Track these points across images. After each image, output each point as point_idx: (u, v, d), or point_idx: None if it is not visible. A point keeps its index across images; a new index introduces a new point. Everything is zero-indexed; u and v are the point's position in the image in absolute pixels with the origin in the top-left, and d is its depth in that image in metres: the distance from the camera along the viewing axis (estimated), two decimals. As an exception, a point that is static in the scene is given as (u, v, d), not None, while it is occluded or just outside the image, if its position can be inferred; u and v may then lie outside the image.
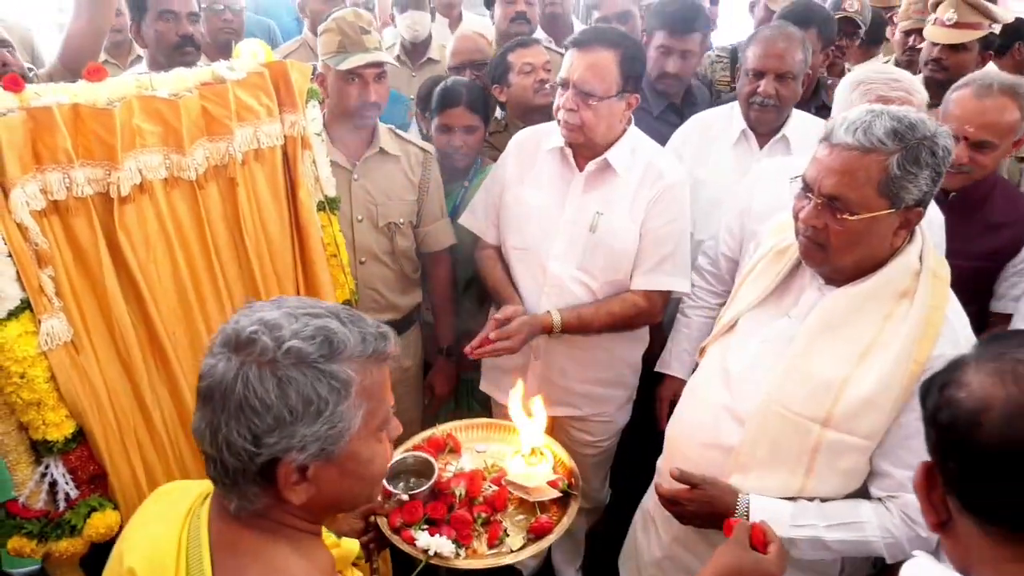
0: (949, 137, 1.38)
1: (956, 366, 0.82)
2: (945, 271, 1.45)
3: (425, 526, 1.52)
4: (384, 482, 1.52)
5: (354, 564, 1.29)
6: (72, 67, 2.34)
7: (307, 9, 3.84)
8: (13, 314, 1.42)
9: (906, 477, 1.37)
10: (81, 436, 1.53)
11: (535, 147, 2.23)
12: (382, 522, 1.51)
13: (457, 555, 1.46)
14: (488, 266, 2.32)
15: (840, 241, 1.41)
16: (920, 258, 1.43)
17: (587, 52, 2.01)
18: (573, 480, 1.61)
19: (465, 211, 2.41)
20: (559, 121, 2.08)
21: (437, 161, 2.52)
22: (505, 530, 1.53)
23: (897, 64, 3.50)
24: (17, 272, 1.42)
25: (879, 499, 1.47)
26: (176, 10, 2.56)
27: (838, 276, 1.48)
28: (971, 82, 2.06)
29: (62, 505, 1.52)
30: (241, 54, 1.85)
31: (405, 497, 1.53)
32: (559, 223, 2.16)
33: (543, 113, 2.58)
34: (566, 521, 1.52)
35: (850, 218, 1.38)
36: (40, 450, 1.51)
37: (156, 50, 2.62)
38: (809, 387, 1.45)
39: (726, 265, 2.27)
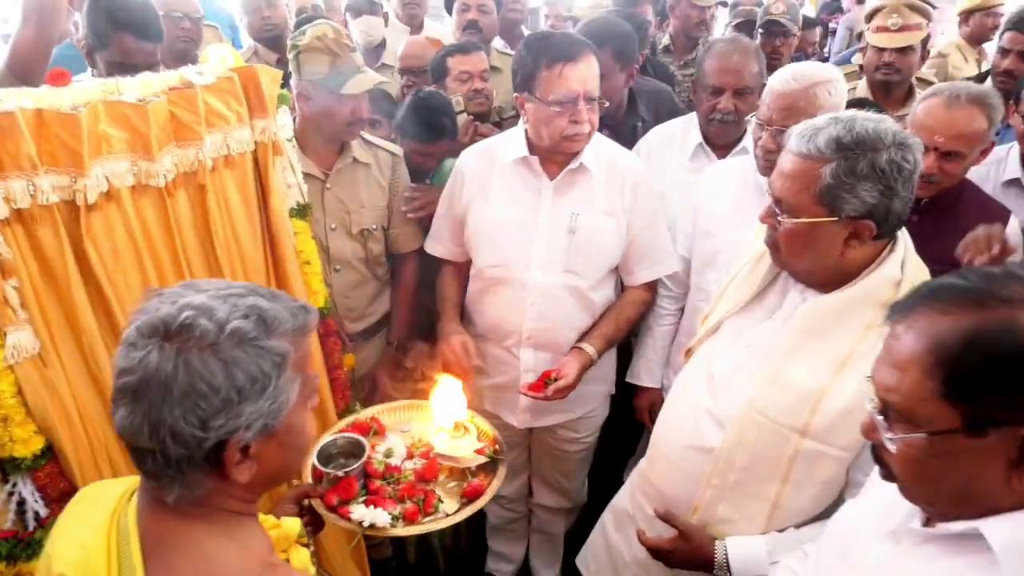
0: (909, 151, 1.36)
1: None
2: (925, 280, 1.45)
3: (362, 499, 1.54)
4: (317, 463, 1.56)
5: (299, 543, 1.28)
6: (20, 75, 2.27)
7: (248, 17, 3.77)
8: (-24, 327, 1.36)
9: None
10: (50, 452, 1.47)
11: (490, 162, 2.21)
12: (316, 503, 1.52)
13: (393, 524, 1.50)
14: (444, 283, 2.37)
15: (785, 243, 1.45)
16: (902, 268, 1.43)
17: (582, 60, 1.98)
18: (498, 447, 1.67)
19: (427, 239, 2.42)
20: (565, 138, 2.03)
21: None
22: (439, 497, 1.58)
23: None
24: (-20, 284, 1.37)
25: None
26: (138, 62, 2.39)
27: (807, 281, 1.49)
28: (940, 92, 2.08)
29: (32, 525, 1.46)
30: (209, 59, 1.82)
31: (340, 474, 1.54)
32: (534, 232, 2.15)
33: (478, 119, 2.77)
34: (496, 483, 1.59)
35: (784, 221, 1.41)
36: (7, 468, 1.45)
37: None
38: (787, 395, 1.45)
39: (682, 267, 2.33)
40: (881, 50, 2.95)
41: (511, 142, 2.18)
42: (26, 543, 1.45)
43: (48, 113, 1.46)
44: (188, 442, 0.94)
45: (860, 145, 1.34)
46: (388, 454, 1.66)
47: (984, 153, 2.10)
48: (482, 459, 1.64)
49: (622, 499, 1.89)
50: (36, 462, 1.45)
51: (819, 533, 1.44)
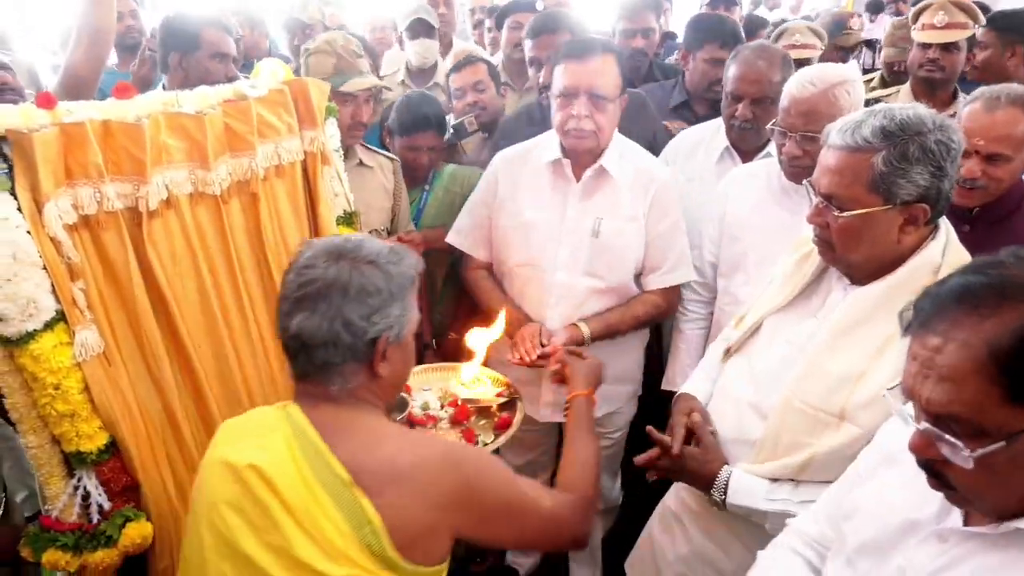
0: (952, 131, 1.39)
1: None
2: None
3: None
4: None
5: None
6: (72, 95, 2.37)
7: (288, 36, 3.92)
8: (48, 325, 1.43)
9: None
10: (114, 448, 1.53)
11: (523, 164, 2.28)
12: None
13: None
14: (484, 286, 2.38)
15: (841, 238, 1.45)
16: (942, 254, 1.44)
17: (589, 60, 2.07)
18: (512, 388, 1.90)
19: (451, 232, 2.45)
20: (566, 132, 2.11)
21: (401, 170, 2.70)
22: (478, 432, 1.78)
23: (883, 81, 3.63)
24: (52, 284, 1.44)
25: None
26: (227, 52, 2.67)
27: (858, 275, 1.50)
28: (981, 95, 2.05)
29: (95, 517, 1.52)
30: (261, 73, 1.89)
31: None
32: (560, 234, 2.21)
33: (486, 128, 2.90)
34: (520, 415, 1.80)
35: (841, 215, 1.42)
36: (72, 462, 1.52)
37: (194, 85, 2.67)
38: (828, 382, 1.47)
39: (711, 272, 2.35)
40: (926, 47, 2.96)
41: (547, 145, 2.25)
42: (91, 535, 1.50)
43: (114, 124, 1.54)
44: (357, 332, 1.24)
45: (906, 130, 1.36)
46: (425, 407, 1.86)
47: None
48: (502, 399, 1.86)
49: (668, 501, 1.91)
50: (100, 457, 1.51)
51: (816, 494, 1.45)
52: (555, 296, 2.22)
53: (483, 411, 1.84)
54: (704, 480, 1.60)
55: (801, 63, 3.13)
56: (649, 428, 1.70)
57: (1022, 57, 3.20)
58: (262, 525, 1.18)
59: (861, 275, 1.49)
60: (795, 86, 1.97)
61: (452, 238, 2.43)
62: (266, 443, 1.24)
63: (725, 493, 1.57)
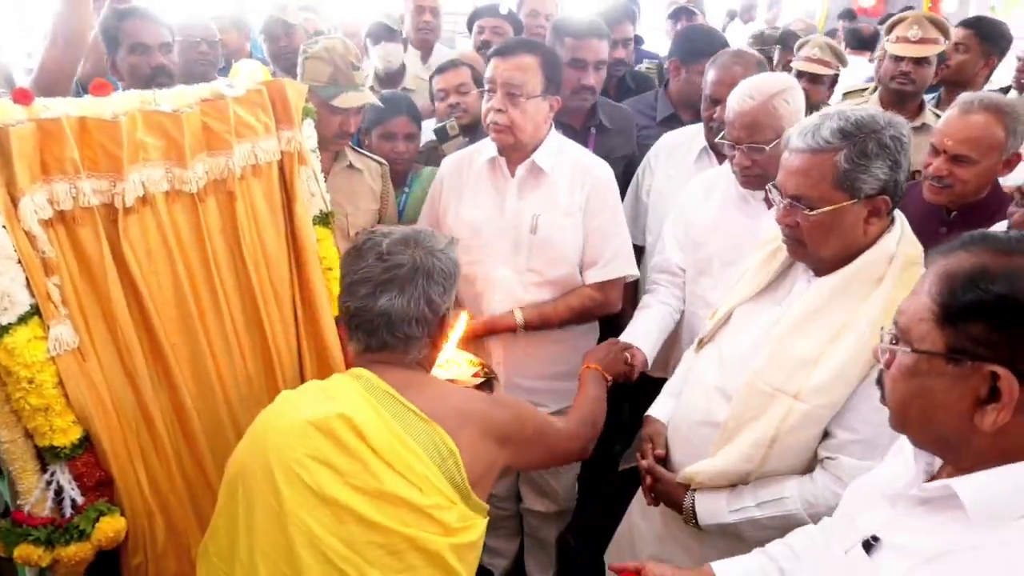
0: (902, 126, 1.49)
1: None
2: (918, 255, 1.53)
3: None
4: None
5: None
6: (46, 92, 2.36)
7: (267, 44, 3.90)
8: (23, 319, 1.43)
9: (847, 439, 1.51)
10: (87, 442, 1.54)
11: (467, 166, 2.36)
12: None
13: None
14: None
15: (811, 235, 1.53)
16: (897, 245, 1.52)
17: (511, 57, 2.16)
18: (488, 369, 1.96)
19: None
20: (488, 126, 2.19)
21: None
22: None
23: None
24: (27, 279, 1.45)
25: (821, 460, 1.56)
26: (147, 42, 2.63)
27: (826, 267, 1.58)
28: (961, 101, 2.12)
29: (68, 512, 1.52)
30: (240, 73, 1.91)
31: None
32: (500, 231, 2.28)
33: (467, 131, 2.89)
34: (497, 394, 1.88)
35: (811, 213, 1.50)
36: (46, 457, 1.52)
37: (131, 82, 2.66)
38: (790, 365, 1.55)
39: (680, 272, 2.38)
40: (899, 59, 3.03)
41: (486, 145, 2.33)
42: (64, 529, 1.51)
43: (91, 120, 1.54)
44: (436, 308, 1.46)
45: (862, 129, 1.45)
46: None
47: (1009, 164, 2.10)
48: (479, 380, 1.92)
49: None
50: (74, 451, 1.51)
51: (778, 492, 1.57)
52: (498, 292, 2.28)
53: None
54: (676, 509, 1.74)
55: (814, 78, 3.33)
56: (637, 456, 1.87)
57: (991, 68, 3.31)
58: (349, 470, 1.30)
59: (828, 267, 1.57)
60: (736, 100, 2.02)
61: None
62: (344, 398, 1.38)
63: (696, 517, 1.68)
